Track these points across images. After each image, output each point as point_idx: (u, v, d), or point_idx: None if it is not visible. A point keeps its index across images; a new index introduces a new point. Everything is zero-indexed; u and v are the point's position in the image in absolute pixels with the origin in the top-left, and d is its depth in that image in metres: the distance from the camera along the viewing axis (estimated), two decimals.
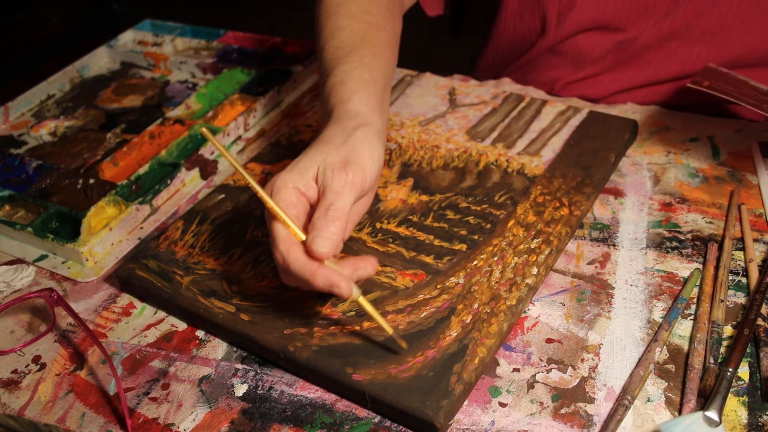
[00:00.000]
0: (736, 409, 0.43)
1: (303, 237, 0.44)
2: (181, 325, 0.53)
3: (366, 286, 0.51)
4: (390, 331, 0.45)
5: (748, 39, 0.68)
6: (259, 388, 0.48)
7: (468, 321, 0.47)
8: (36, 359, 0.52)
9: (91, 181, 0.67)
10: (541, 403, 0.44)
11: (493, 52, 0.85)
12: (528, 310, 0.50)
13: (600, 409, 0.43)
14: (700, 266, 0.52)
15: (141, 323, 0.54)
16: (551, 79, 0.77)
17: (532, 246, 0.53)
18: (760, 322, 0.47)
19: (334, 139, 0.48)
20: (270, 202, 0.45)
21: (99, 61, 0.91)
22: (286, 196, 0.46)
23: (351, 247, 0.54)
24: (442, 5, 0.80)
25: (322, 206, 0.45)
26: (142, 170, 0.67)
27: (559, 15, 0.73)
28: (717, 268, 0.51)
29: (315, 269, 0.43)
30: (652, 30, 0.70)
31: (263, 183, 0.62)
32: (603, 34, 0.73)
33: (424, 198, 0.59)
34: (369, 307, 0.45)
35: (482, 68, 0.87)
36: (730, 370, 0.43)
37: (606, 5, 0.70)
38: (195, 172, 0.68)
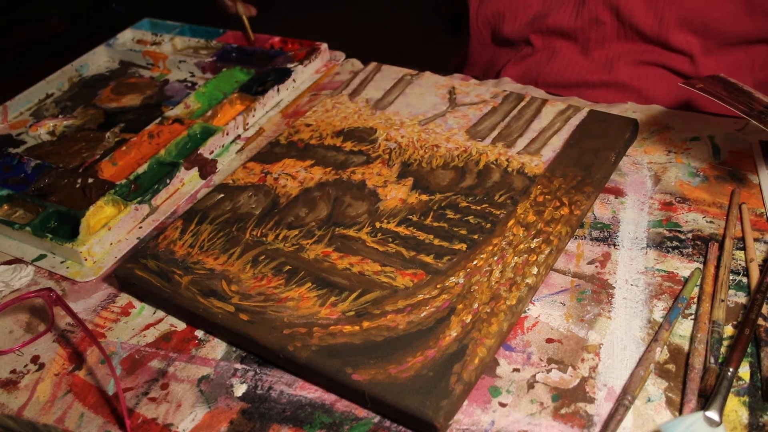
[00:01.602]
0: (736, 409, 0.42)
1: None
2: (180, 325, 0.53)
3: (366, 285, 0.51)
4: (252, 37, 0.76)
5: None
6: (259, 388, 0.47)
7: (468, 321, 0.47)
8: (35, 359, 0.52)
9: (90, 180, 0.67)
10: (541, 403, 0.44)
11: (459, 58, 0.89)
12: (528, 309, 0.50)
13: (600, 409, 0.43)
14: (701, 266, 0.52)
15: (140, 323, 0.53)
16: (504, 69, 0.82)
17: (532, 245, 0.53)
18: (760, 321, 0.47)
19: None
20: None
21: (98, 60, 0.91)
22: None
23: (350, 247, 0.54)
24: None
25: None
26: (141, 170, 0.67)
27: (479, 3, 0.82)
28: (718, 267, 0.51)
29: None
30: (561, 8, 0.74)
31: (263, 183, 0.62)
32: (514, 16, 0.79)
33: (424, 197, 0.59)
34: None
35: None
36: (731, 370, 0.43)
37: None
38: (194, 172, 0.68)
